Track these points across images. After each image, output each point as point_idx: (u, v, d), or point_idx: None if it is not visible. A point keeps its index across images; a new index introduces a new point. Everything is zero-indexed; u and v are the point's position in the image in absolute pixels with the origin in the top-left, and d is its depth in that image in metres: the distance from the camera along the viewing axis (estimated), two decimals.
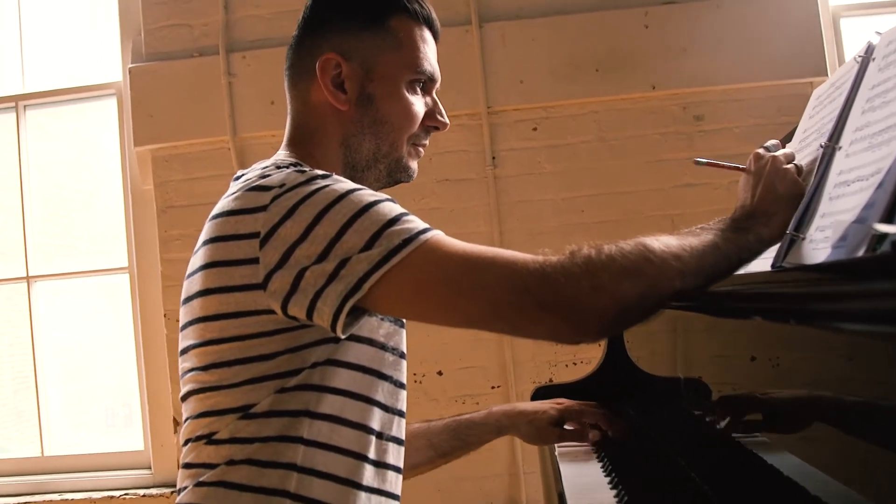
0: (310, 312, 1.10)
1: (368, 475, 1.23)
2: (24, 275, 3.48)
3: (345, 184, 1.15)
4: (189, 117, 3.23)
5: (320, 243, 1.09)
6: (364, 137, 1.33)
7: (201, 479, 1.19)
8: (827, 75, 3.04)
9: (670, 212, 3.06)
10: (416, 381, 3.12)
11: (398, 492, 1.31)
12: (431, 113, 1.39)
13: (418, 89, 1.36)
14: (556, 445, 1.74)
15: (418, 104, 1.36)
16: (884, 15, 3.28)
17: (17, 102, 3.51)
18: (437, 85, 1.41)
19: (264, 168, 1.23)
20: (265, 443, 1.16)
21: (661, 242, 1.06)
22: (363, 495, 1.22)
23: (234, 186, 1.23)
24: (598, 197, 3.14)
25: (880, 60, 1.10)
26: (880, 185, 0.94)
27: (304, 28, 1.38)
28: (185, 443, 1.24)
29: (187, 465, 1.22)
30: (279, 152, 1.36)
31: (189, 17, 3.29)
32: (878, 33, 1.14)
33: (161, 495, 3.24)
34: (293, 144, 1.37)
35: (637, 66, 3.13)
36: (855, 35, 3.28)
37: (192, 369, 1.22)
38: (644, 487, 1.38)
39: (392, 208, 1.12)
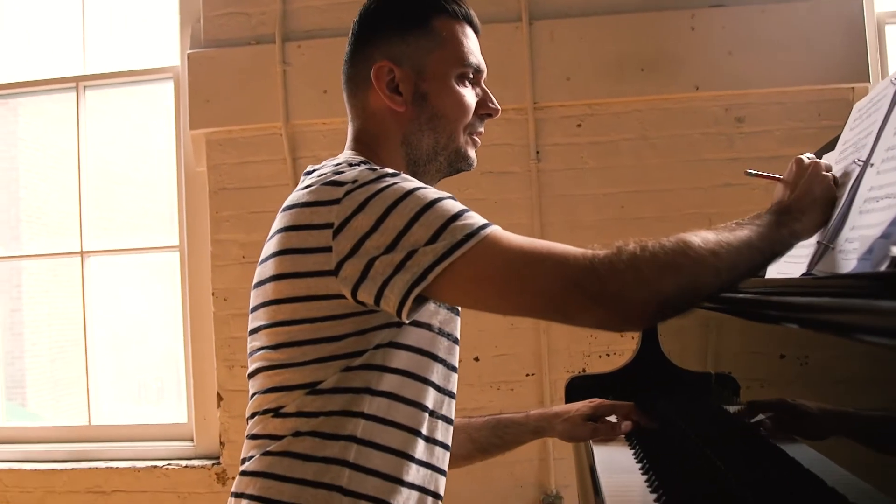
0: (377, 299, 1.19)
1: (420, 449, 1.32)
2: (79, 249, 3.61)
3: (411, 182, 1.24)
4: (244, 103, 3.34)
5: (389, 235, 1.18)
6: (423, 134, 1.42)
7: (268, 449, 1.28)
8: (869, 81, 3.09)
9: (708, 210, 3.12)
10: None
11: (445, 468, 1.40)
12: (482, 102, 1.46)
13: (467, 82, 1.44)
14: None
15: (469, 95, 1.44)
16: None
17: (77, 83, 3.63)
18: (484, 75, 1.48)
19: (337, 165, 1.32)
20: (329, 416, 1.26)
21: (700, 238, 1.13)
22: (414, 467, 1.31)
23: (308, 180, 1.33)
24: (638, 194, 3.21)
25: None
26: None
27: (355, 43, 1.47)
28: (252, 416, 1.34)
29: (253, 437, 1.32)
30: (346, 152, 1.45)
31: (247, 6, 3.39)
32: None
33: (202, 466, 3.36)
34: (358, 144, 1.45)
35: (682, 66, 3.19)
36: None
37: (262, 348, 1.33)
38: (672, 472, 1.45)
39: (454, 205, 1.21)
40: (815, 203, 1.23)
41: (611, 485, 1.50)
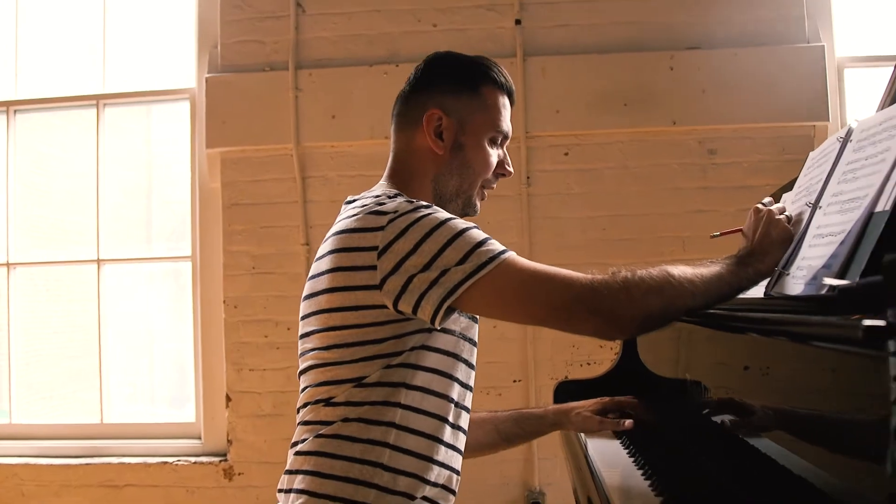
0: (415, 309, 1.46)
1: (447, 434, 1.59)
2: (95, 258, 3.83)
3: (443, 213, 1.50)
4: (257, 125, 3.58)
5: (426, 257, 1.44)
6: (452, 177, 1.67)
7: (320, 433, 1.54)
8: (828, 120, 3.37)
9: (682, 234, 3.39)
10: None
11: (463, 449, 1.67)
12: (501, 163, 1.73)
13: (495, 144, 1.71)
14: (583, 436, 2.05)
15: (494, 156, 1.70)
16: (885, 67, 3.56)
17: (97, 101, 3.86)
18: (509, 140, 1.75)
19: (377, 197, 1.57)
20: (373, 406, 1.52)
21: (680, 270, 1.41)
22: (442, 448, 1.58)
23: (351, 209, 1.59)
24: (619, 217, 3.46)
25: (855, 143, 1.40)
26: (842, 242, 1.24)
27: (413, 86, 1.72)
28: (304, 405, 1.59)
29: (306, 423, 1.58)
30: (382, 183, 1.70)
31: (262, 35, 3.64)
32: (857, 121, 1.46)
33: (210, 463, 3.59)
34: (393, 177, 1.70)
35: (661, 102, 3.46)
36: (858, 84, 3.57)
37: (314, 349, 1.58)
38: (655, 455, 1.71)
39: (479, 234, 1.47)
40: (773, 244, 1.47)
41: (603, 466, 1.76)
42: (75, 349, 3.96)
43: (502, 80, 1.71)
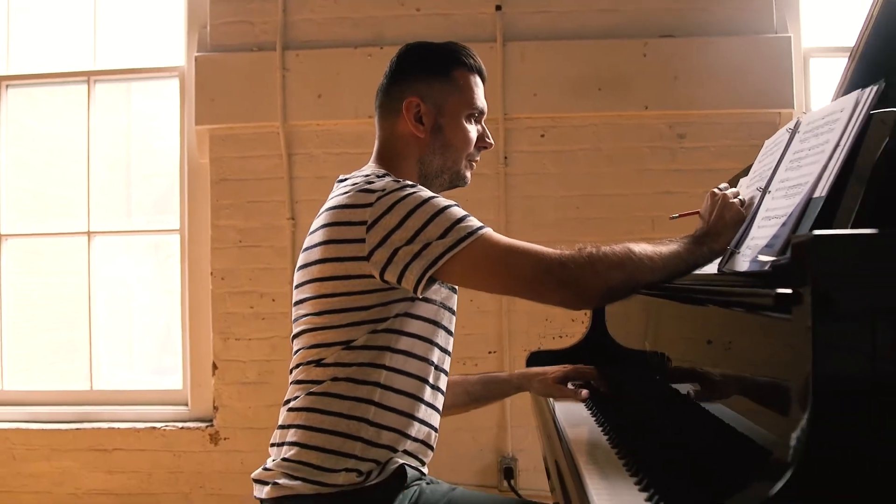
0: (399, 278, 1.60)
1: (427, 394, 1.74)
2: (86, 230, 3.94)
3: (426, 192, 1.63)
4: (245, 103, 3.68)
5: (410, 231, 1.57)
6: (435, 157, 1.81)
7: (311, 391, 1.68)
8: (793, 108, 3.51)
9: (652, 213, 3.53)
10: None
11: (441, 409, 1.82)
12: (481, 136, 1.87)
13: (473, 120, 1.85)
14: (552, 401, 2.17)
15: (473, 132, 1.84)
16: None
17: (88, 77, 3.96)
18: (486, 115, 1.89)
19: (367, 176, 1.70)
20: (360, 367, 1.66)
21: (641, 248, 1.56)
22: (423, 407, 1.73)
23: (343, 188, 1.72)
24: (592, 197, 3.61)
25: (801, 134, 1.53)
26: (784, 223, 1.37)
27: (390, 78, 1.85)
28: (297, 366, 1.73)
29: (298, 382, 1.72)
30: (371, 165, 1.83)
31: (251, 16, 3.74)
32: (804, 113, 1.59)
33: (197, 428, 3.72)
34: (381, 159, 1.83)
35: (634, 88, 3.60)
36: (823, 74, 3.70)
37: (306, 314, 1.71)
38: (616, 418, 1.81)
39: (459, 211, 1.61)
40: (726, 226, 1.60)
41: (571, 431, 1.86)
42: (65, 320, 4.05)
43: (471, 61, 1.84)
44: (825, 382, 0.91)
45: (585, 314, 2.52)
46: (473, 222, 1.60)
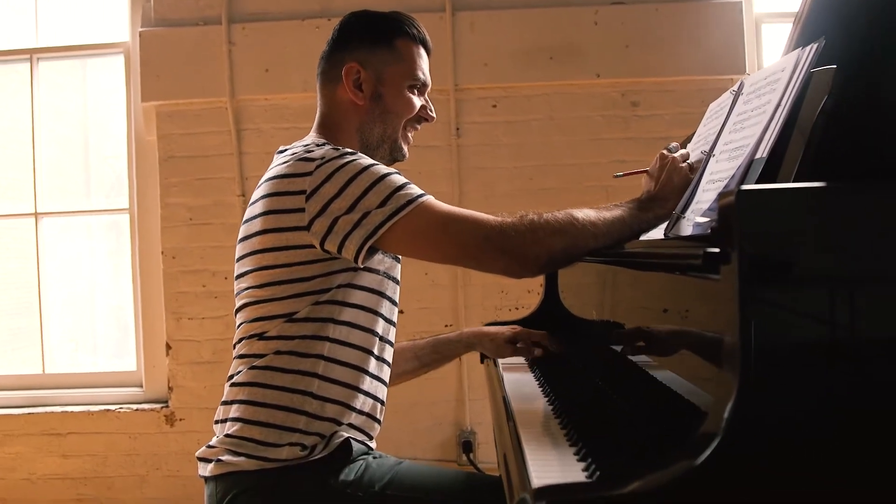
0: (340, 248, 1.57)
1: (372, 365, 1.72)
2: (33, 211, 3.86)
3: (366, 160, 1.60)
4: (192, 78, 3.62)
5: (349, 200, 1.55)
6: (375, 125, 1.77)
7: (254, 364, 1.65)
8: (745, 73, 3.51)
9: (605, 183, 3.48)
10: None
11: (388, 380, 1.80)
12: (423, 108, 1.82)
13: (415, 92, 1.80)
14: (500, 361, 2.19)
15: (415, 101, 1.80)
16: None
17: (31, 55, 3.86)
18: (429, 88, 1.85)
19: (306, 146, 1.67)
20: (303, 339, 1.63)
21: (584, 213, 1.54)
22: (368, 379, 1.71)
23: (282, 157, 1.69)
24: (545, 167, 3.59)
25: (745, 96, 1.52)
26: (726, 186, 1.36)
27: (332, 45, 1.82)
28: (239, 340, 1.70)
29: (241, 356, 1.69)
30: (311, 135, 1.80)
31: None
32: (748, 75, 1.58)
33: (152, 409, 3.68)
34: (322, 129, 1.80)
35: (585, 56, 3.57)
36: (775, 39, 3.70)
37: (248, 287, 1.68)
38: (563, 388, 1.81)
39: (399, 178, 1.58)
40: (674, 191, 1.59)
41: (517, 401, 1.86)
42: (17, 304, 3.98)
43: (414, 31, 1.80)
44: (753, 347, 0.89)
45: (540, 285, 2.50)
46: (414, 190, 1.58)
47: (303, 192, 1.58)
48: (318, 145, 1.67)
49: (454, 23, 3.59)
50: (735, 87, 1.62)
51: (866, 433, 0.92)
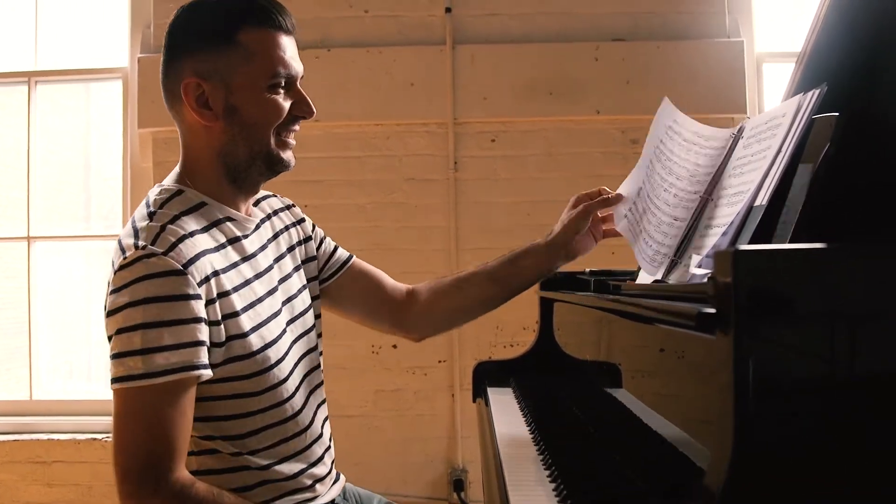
0: None
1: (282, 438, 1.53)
2: (26, 235, 3.83)
3: (154, 283, 1.30)
4: None
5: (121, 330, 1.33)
6: (237, 145, 1.42)
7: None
8: (746, 112, 3.49)
9: None
10: (373, 353, 3.54)
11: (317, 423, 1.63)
12: (296, 104, 1.46)
13: (280, 89, 1.44)
14: (492, 412, 2.02)
15: (281, 101, 1.44)
16: None
17: (29, 78, 3.84)
18: (299, 77, 1.48)
19: (144, 207, 1.42)
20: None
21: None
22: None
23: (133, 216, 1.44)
24: (543, 203, 3.55)
25: (745, 140, 1.48)
26: (725, 233, 1.32)
27: (165, 56, 1.45)
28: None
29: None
30: (172, 173, 1.50)
31: None
32: (748, 118, 1.55)
33: None
34: (183, 166, 1.49)
35: (585, 92, 3.55)
36: (776, 78, 3.69)
37: None
38: (553, 434, 1.75)
39: (152, 338, 1.29)
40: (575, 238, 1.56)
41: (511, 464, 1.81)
42: (11, 326, 3.94)
43: (260, 15, 1.42)
44: (749, 411, 0.84)
45: (536, 322, 2.47)
46: (159, 362, 1.29)
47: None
48: (148, 214, 1.40)
49: (454, 56, 3.58)
50: (735, 131, 1.58)
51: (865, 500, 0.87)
